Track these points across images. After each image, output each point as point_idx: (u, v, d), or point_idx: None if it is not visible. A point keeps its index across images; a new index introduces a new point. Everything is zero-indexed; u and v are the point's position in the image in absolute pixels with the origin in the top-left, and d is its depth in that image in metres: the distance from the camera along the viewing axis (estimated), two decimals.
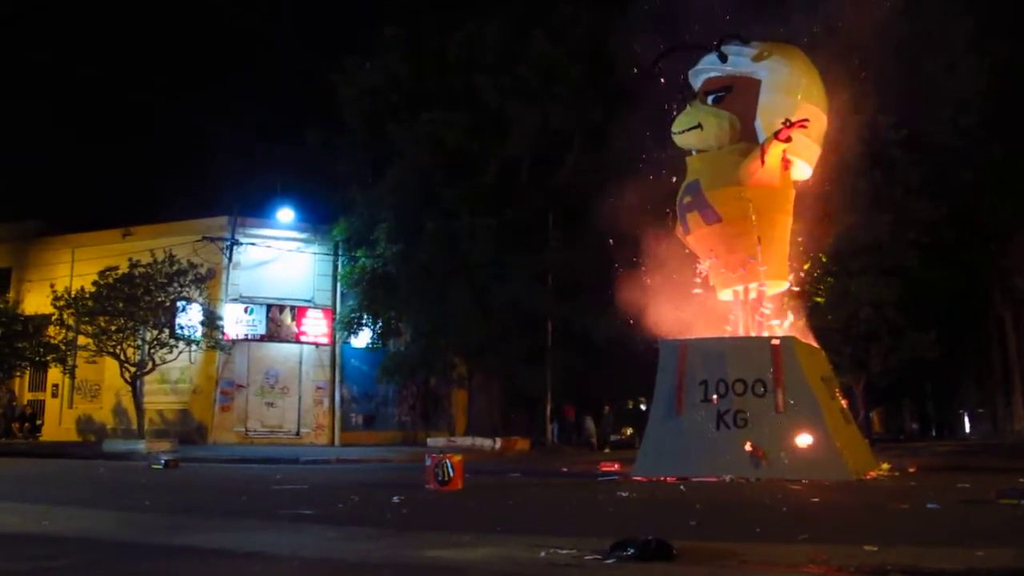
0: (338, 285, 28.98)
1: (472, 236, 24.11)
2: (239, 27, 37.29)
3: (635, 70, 14.37)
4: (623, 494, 10.31)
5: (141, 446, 21.70)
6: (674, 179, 14.28)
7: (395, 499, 9.29)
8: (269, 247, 28.55)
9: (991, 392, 31.83)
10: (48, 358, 26.09)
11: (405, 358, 27.44)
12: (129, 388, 24.22)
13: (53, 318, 24.86)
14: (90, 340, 23.92)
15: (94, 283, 23.89)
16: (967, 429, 39.67)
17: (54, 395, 29.92)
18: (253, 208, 28.87)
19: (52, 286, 25.00)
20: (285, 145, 29.60)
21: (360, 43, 26.91)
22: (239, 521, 7.58)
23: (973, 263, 23.26)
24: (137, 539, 6.49)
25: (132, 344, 24.00)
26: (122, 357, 23.67)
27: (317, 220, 29.46)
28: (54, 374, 28.64)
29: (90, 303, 23.62)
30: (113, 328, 23.48)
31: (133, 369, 23.89)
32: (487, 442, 25.03)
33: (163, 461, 16.13)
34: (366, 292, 27.12)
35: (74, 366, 26.44)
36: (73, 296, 24.12)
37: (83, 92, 33.45)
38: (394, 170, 25.46)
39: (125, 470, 15.81)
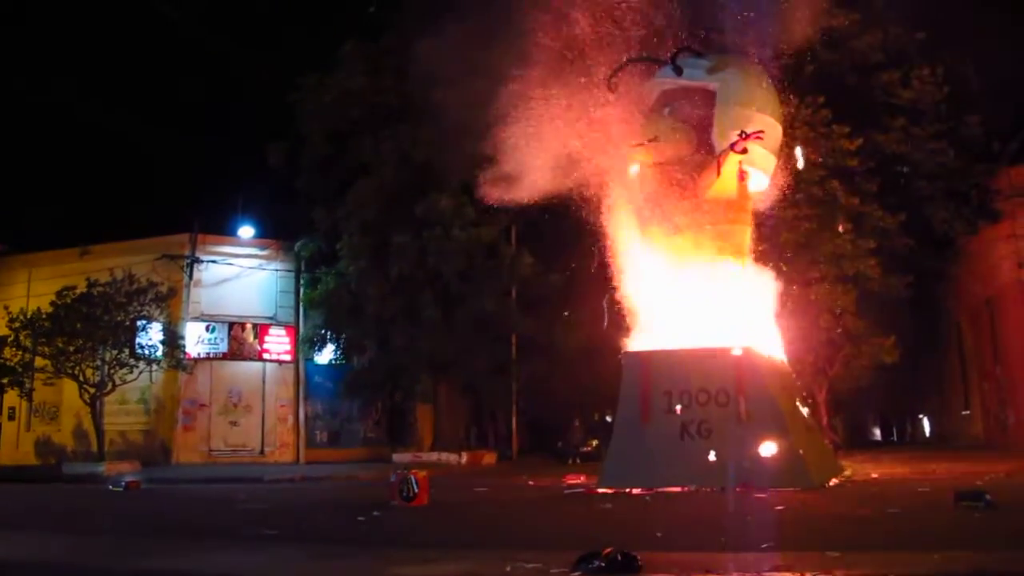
0: (301, 302, 28.76)
1: (439, 250, 24.06)
2: (198, 43, 36.95)
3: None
4: (589, 506, 10.33)
5: (101, 468, 21.30)
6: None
7: (360, 517, 9.23)
8: (231, 264, 28.25)
9: (950, 396, 32.32)
10: (4, 380, 25.54)
11: (370, 374, 27.27)
12: (89, 409, 23.82)
13: (9, 340, 24.32)
14: (48, 361, 23.48)
15: (51, 303, 23.46)
16: (927, 433, 40.24)
17: (11, 418, 29.29)
18: (214, 225, 28.48)
19: (7, 307, 24.48)
20: (246, 162, 29.32)
21: (322, 59, 26.74)
22: (200, 542, 7.47)
23: (930, 270, 23.62)
24: (92, 563, 6.38)
25: (91, 365, 23.56)
26: (81, 378, 23.25)
27: (279, 236, 29.20)
28: (10, 397, 28.00)
29: (47, 324, 23.17)
30: (71, 349, 23.05)
31: (92, 390, 23.47)
32: (453, 457, 24.94)
33: (123, 483, 15.86)
34: (330, 309, 26.95)
35: (31, 389, 25.93)
36: (29, 317, 23.67)
37: (39, 110, 32.89)
38: (357, 186, 25.32)
39: (84, 493, 15.55)
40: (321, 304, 27.12)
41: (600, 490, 12.27)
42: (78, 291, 23.40)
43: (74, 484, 18.52)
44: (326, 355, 28.86)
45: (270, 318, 28.83)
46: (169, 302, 25.36)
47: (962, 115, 22.37)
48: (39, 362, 24.14)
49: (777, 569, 5.43)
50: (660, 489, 11.71)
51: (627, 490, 11.91)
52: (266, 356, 28.49)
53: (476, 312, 24.89)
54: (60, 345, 23.05)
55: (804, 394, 19.09)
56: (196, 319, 27.35)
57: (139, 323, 24.25)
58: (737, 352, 12.67)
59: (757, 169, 13.94)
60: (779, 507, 9.36)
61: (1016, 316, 22.96)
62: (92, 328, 22.96)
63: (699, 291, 13.69)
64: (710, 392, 12.48)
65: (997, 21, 18.68)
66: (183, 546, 7.23)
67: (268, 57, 32.85)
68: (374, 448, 29.68)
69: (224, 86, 34.93)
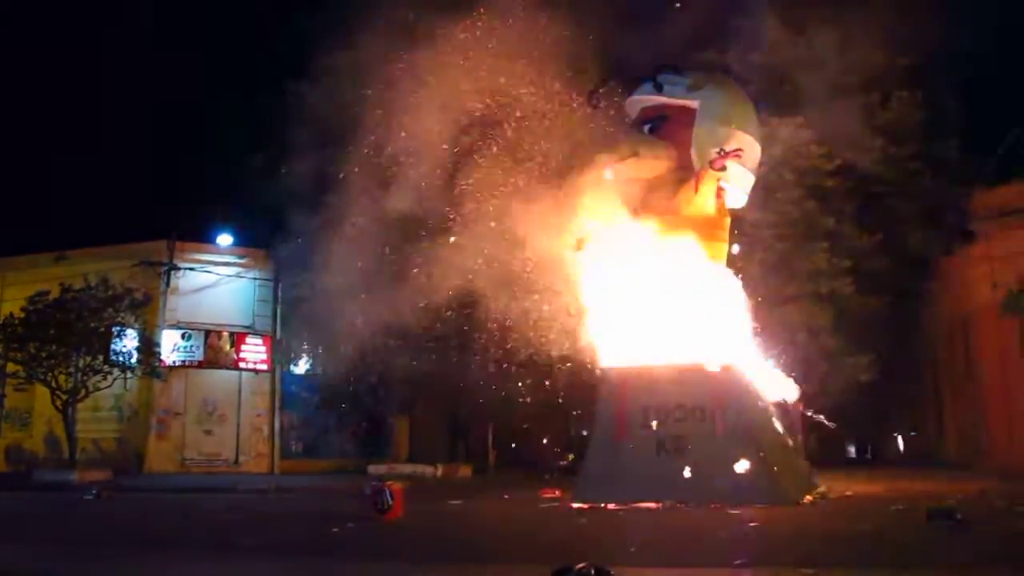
0: (278, 311, 28.58)
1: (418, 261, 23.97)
2: (179, 49, 36.82)
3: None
4: (564, 521, 10.31)
5: (73, 476, 21.04)
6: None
7: (334, 529, 9.17)
8: (208, 272, 28.08)
9: (925, 415, 32.53)
10: None
11: (346, 385, 27.10)
12: (61, 416, 23.54)
13: None
14: (20, 367, 23.21)
15: (24, 308, 23.23)
16: (901, 451, 40.50)
17: None
18: (192, 232, 28.32)
19: None
20: (226, 169, 29.16)
21: (305, 67, 26.69)
22: (169, 553, 7.39)
23: (906, 289, 23.80)
24: (55, 573, 6.29)
25: (64, 371, 23.31)
26: (53, 384, 22.98)
27: (258, 245, 29.04)
28: None
29: (20, 329, 22.92)
30: (44, 355, 22.79)
31: (65, 396, 23.19)
32: (429, 469, 24.81)
33: (94, 491, 15.67)
34: (307, 317, 26.79)
35: (2, 394, 25.62)
36: (2, 322, 23.41)
37: (16, 112, 32.61)
38: (336, 194, 25.22)
39: (54, 501, 15.34)
40: (298, 310, 26.97)
41: (575, 505, 12.25)
42: (52, 296, 23.16)
43: (44, 492, 18.27)
44: (303, 365, 28.69)
45: (247, 327, 28.63)
46: (145, 309, 25.12)
47: (939, 137, 22.62)
48: (10, 367, 23.84)
49: None
50: (635, 504, 11.70)
51: (602, 505, 11.90)
52: (242, 365, 28.27)
53: (455, 324, 24.82)
54: (33, 351, 22.76)
55: (779, 412, 19.16)
56: (172, 326, 27.13)
57: (114, 330, 23.99)
58: (714, 368, 12.72)
59: (735, 187, 14.03)
60: (753, 523, 9.39)
61: (990, 336, 23.18)
62: (66, 334, 22.69)
63: (676, 308, 13.74)
64: (687, 408, 12.51)
65: (976, 46, 18.97)
66: (151, 557, 7.15)
67: (251, 63, 32.79)
68: (350, 460, 29.49)
69: (205, 92, 34.83)
